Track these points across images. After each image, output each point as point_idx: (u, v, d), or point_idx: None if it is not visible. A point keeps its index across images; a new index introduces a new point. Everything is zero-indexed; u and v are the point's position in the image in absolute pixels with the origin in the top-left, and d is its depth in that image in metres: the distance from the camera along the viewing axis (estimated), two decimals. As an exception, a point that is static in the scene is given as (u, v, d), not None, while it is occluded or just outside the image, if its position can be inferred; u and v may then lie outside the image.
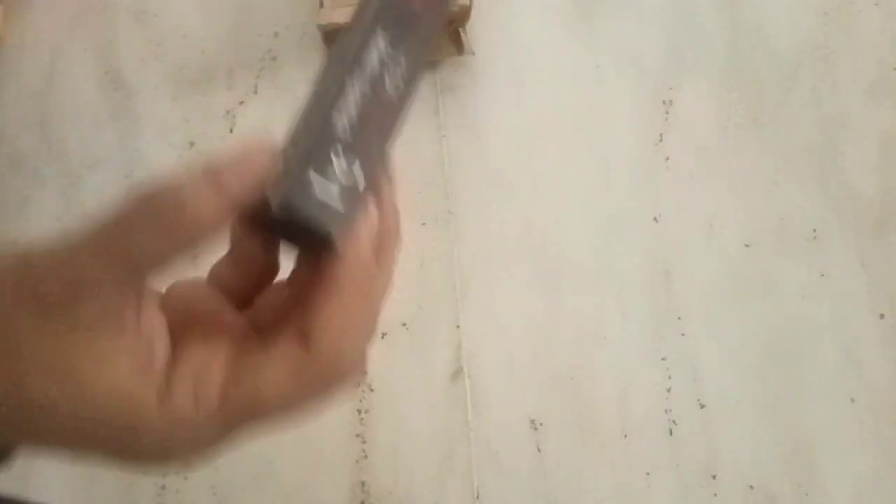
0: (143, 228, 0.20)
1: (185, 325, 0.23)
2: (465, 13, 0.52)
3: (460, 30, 0.53)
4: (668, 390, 0.47)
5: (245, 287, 0.26)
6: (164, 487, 0.47)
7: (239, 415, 0.22)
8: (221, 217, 0.21)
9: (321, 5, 0.53)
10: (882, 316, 0.48)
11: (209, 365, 0.22)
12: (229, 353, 0.23)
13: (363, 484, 0.47)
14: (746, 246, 0.50)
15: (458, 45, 0.54)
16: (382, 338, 0.50)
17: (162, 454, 0.22)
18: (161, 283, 0.23)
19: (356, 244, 0.23)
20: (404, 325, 0.50)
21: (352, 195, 0.23)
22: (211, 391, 0.21)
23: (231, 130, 0.54)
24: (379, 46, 0.23)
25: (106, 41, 0.57)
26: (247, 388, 0.22)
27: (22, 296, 0.20)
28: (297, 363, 0.22)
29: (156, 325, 0.22)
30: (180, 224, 0.20)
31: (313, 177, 0.22)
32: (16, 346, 0.20)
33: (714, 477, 0.46)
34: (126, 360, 0.21)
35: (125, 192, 0.20)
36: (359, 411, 0.48)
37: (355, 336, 0.23)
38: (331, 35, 0.52)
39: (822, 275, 0.49)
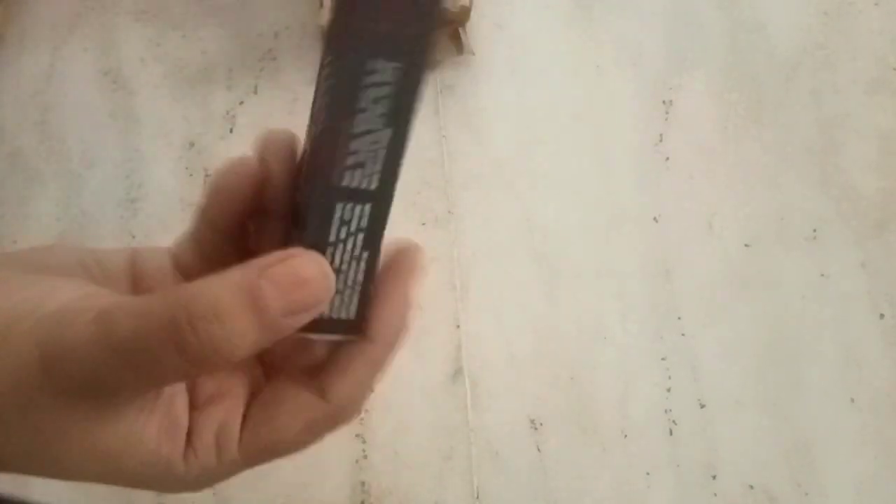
0: (169, 354, 0.19)
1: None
2: (465, 13, 0.52)
3: (460, 30, 0.53)
4: (669, 390, 0.47)
5: None
6: (163, 487, 0.47)
7: (257, 460, 0.23)
8: (257, 348, 0.19)
9: (321, 5, 0.53)
10: (882, 316, 0.48)
11: (228, 418, 0.23)
12: (245, 402, 0.23)
13: (363, 484, 0.47)
14: (746, 246, 0.50)
15: (457, 45, 0.54)
16: (382, 338, 0.50)
17: (181, 491, 0.23)
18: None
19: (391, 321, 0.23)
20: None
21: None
22: (231, 444, 0.22)
23: (231, 130, 0.54)
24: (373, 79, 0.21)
25: (106, 41, 0.57)
26: (265, 439, 0.22)
27: (46, 385, 0.19)
28: (314, 415, 0.23)
29: (178, 387, 0.22)
30: (209, 358, 0.19)
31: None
32: (43, 432, 0.20)
33: (714, 477, 0.46)
34: (152, 431, 0.21)
35: (154, 301, 0.19)
36: (359, 411, 0.48)
37: (371, 388, 0.24)
38: (331, 35, 0.52)
39: (822, 275, 0.49)
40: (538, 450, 0.47)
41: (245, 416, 0.23)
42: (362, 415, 0.48)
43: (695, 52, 0.54)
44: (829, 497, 0.45)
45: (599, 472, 0.46)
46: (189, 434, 0.22)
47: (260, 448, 0.22)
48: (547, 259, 0.50)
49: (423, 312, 0.50)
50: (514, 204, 0.52)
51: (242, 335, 0.19)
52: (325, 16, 0.52)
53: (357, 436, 0.48)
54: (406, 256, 0.25)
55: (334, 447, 0.48)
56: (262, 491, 0.47)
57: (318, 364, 0.24)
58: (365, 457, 0.47)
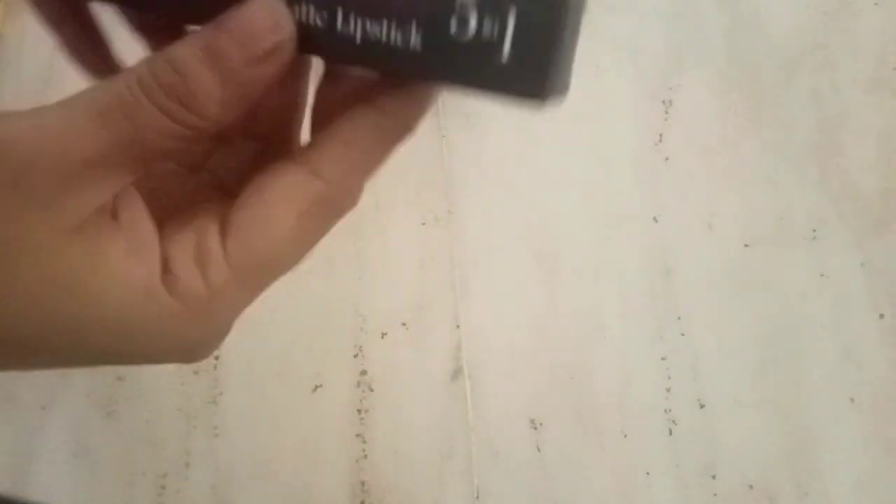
0: (141, 103, 0.18)
1: (159, 202, 0.21)
2: (464, 13, 0.52)
3: (460, 30, 0.53)
4: (668, 390, 0.47)
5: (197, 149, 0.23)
6: (164, 487, 0.47)
7: (253, 274, 0.19)
8: (227, 107, 0.18)
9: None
10: (882, 315, 0.48)
11: (205, 229, 0.19)
12: (222, 211, 0.20)
13: (363, 484, 0.47)
14: (746, 245, 0.50)
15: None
16: (382, 338, 0.50)
17: (181, 348, 0.20)
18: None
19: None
20: (404, 324, 0.50)
21: None
22: (216, 256, 0.19)
23: (231, 130, 0.54)
24: None
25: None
26: (255, 239, 0.19)
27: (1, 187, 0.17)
28: (307, 197, 0.19)
29: (135, 210, 0.20)
30: (181, 116, 0.18)
31: None
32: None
33: (714, 477, 0.46)
34: (118, 250, 0.18)
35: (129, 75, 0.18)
36: (359, 411, 0.48)
37: (373, 167, 0.21)
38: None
39: (822, 274, 0.49)
40: (538, 449, 0.47)
41: (227, 223, 0.19)
42: (362, 415, 0.48)
43: (695, 51, 0.54)
44: (829, 497, 0.45)
45: (599, 471, 0.46)
46: (164, 259, 0.19)
47: (252, 253, 0.19)
48: (547, 258, 0.50)
49: (423, 312, 0.50)
50: (514, 203, 0.52)
51: (207, 89, 0.18)
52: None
53: (357, 435, 0.48)
54: None
55: (334, 446, 0.48)
56: (261, 491, 0.47)
57: (310, 145, 0.21)
58: (365, 456, 0.47)
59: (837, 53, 0.53)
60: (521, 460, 0.47)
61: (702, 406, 0.47)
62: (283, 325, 0.49)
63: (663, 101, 0.53)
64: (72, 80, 0.26)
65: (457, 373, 0.49)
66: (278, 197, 0.19)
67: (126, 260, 0.18)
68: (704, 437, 0.46)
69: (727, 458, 0.46)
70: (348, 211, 0.20)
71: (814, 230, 0.50)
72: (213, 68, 0.18)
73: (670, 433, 0.47)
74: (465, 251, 0.51)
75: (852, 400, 0.46)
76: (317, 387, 0.49)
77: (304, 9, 0.19)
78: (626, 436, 0.47)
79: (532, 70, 0.18)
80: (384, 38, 0.18)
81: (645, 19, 0.55)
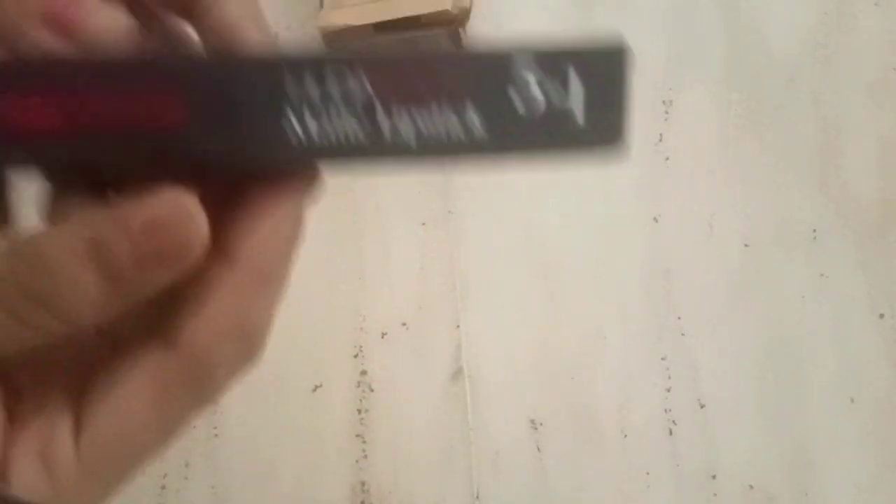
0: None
1: (13, 366, 0.18)
2: (465, 14, 0.52)
3: (460, 30, 0.53)
4: (668, 390, 0.47)
5: None
6: (164, 487, 0.47)
7: (110, 470, 0.17)
8: (110, 308, 0.16)
9: (321, 5, 0.53)
10: (882, 316, 0.48)
11: (56, 422, 0.17)
12: (75, 393, 0.18)
13: (363, 484, 0.47)
14: (746, 246, 0.50)
15: (457, 45, 0.54)
16: (382, 338, 0.50)
17: None
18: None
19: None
20: (404, 325, 0.50)
21: None
22: (64, 452, 0.17)
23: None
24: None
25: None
26: (108, 427, 0.17)
27: None
28: (163, 372, 0.17)
29: None
30: (43, 322, 0.15)
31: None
32: None
33: (714, 477, 0.46)
34: None
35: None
36: (359, 411, 0.48)
37: (241, 330, 0.17)
38: (331, 37, 0.52)
39: (822, 275, 0.49)
40: (538, 450, 0.47)
41: (81, 412, 0.17)
42: (362, 416, 0.48)
43: (695, 52, 0.54)
44: (828, 497, 0.45)
45: (599, 472, 0.46)
46: (5, 456, 0.17)
47: (104, 447, 0.17)
48: (547, 258, 0.50)
49: (423, 312, 0.50)
50: (514, 204, 0.52)
51: (83, 293, 0.15)
52: (325, 16, 0.52)
53: (357, 436, 0.48)
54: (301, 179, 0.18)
55: (334, 447, 0.48)
56: (261, 491, 0.47)
57: (164, 313, 0.18)
58: (365, 457, 0.47)
59: (837, 54, 0.53)
60: (521, 460, 0.47)
61: (702, 406, 0.47)
62: (283, 325, 0.49)
63: (663, 102, 0.53)
64: None
65: (457, 373, 0.49)
66: (132, 382, 0.17)
67: None
68: (704, 437, 0.46)
69: (727, 458, 0.46)
70: (237, 374, 0.18)
71: (814, 231, 0.50)
72: (94, 268, 0.15)
73: (670, 433, 0.47)
74: (465, 251, 0.51)
75: (852, 400, 0.46)
76: (317, 387, 0.49)
77: (333, 115, 0.17)
78: (626, 436, 0.47)
79: (609, 121, 0.17)
80: (443, 133, 0.17)
81: (645, 20, 0.55)
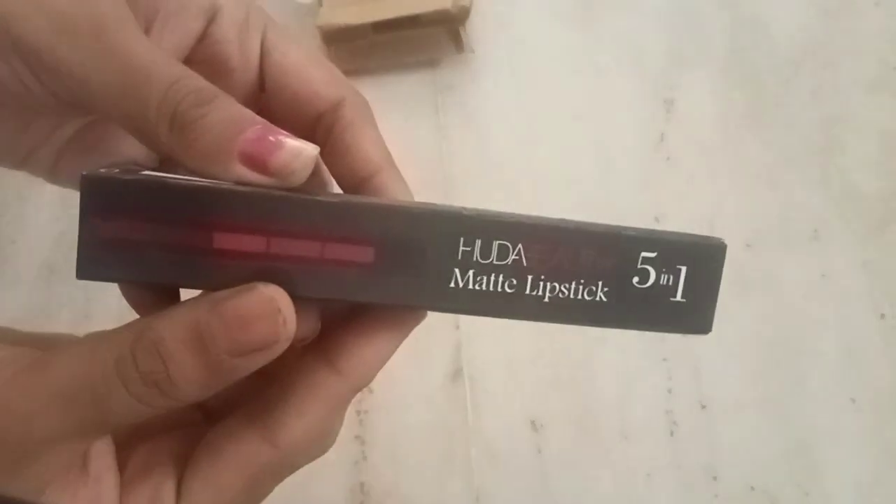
0: (115, 391, 0.18)
1: (127, 434, 0.21)
2: (464, 13, 0.52)
3: (460, 28, 0.53)
4: (669, 391, 0.47)
5: None
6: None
7: None
8: (207, 390, 0.18)
9: (321, 5, 0.53)
10: (883, 316, 0.48)
11: (161, 489, 0.20)
12: (176, 459, 0.21)
13: (362, 485, 0.47)
14: (748, 246, 0.50)
15: (457, 44, 0.54)
16: (382, 338, 0.50)
17: None
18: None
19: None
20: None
21: None
22: None
23: (230, 130, 0.54)
24: None
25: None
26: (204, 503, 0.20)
27: None
28: (259, 462, 0.20)
29: (103, 460, 0.20)
30: (154, 399, 0.18)
31: None
32: None
33: (715, 478, 0.46)
34: None
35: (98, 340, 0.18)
36: (358, 412, 0.48)
37: (330, 430, 0.22)
38: (329, 35, 0.52)
39: (823, 274, 0.49)
40: (538, 451, 0.47)
41: (182, 481, 0.20)
42: (361, 417, 0.48)
43: (696, 50, 0.54)
44: (830, 498, 0.45)
45: (600, 473, 0.46)
46: None
47: None
48: (547, 259, 0.50)
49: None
50: (515, 203, 0.51)
51: (188, 376, 0.18)
52: (324, 15, 0.52)
53: (356, 437, 0.48)
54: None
55: (333, 448, 0.47)
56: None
57: (267, 404, 0.21)
58: (364, 458, 0.47)
59: (839, 53, 0.53)
60: (521, 462, 0.47)
61: (703, 407, 0.47)
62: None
63: (665, 101, 0.53)
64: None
65: (456, 374, 0.48)
66: (230, 463, 0.20)
67: None
68: (706, 438, 0.46)
69: (728, 459, 0.46)
70: (300, 466, 0.22)
71: (815, 230, 0.50)
72: (197, 355, 0.17)
73: (671, 434, 0.47)
74: (465, 251, 0.51)
75: (853, 400, 0.46)
76: (316, 388, 0.49)
77: (493, 278, 0.20)
78: (627, 437, 0.47)
79: (700, 307, 0.21)
80: (572, 294, 0.21)
81: (646, 18, 0.55)
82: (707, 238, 0.22)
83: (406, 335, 0.22)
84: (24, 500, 0.18)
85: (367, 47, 0.54)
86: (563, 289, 0.21)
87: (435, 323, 0.50)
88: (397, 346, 0.22)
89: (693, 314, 0.21)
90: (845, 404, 0.46)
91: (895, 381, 0.46)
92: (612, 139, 0.53)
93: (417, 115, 0.54)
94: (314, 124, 0.24)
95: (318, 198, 0.19)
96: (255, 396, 0.22)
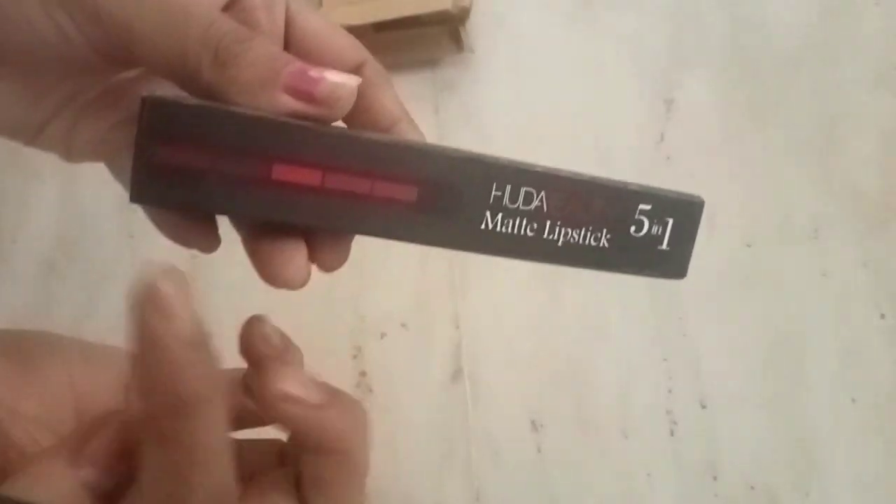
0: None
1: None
2: (465, 14, 0.52)
3: (460, 27, 0.53)
4: (670, 391, 0.47)
5: None
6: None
7: None
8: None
9: (320, 5, 0.53)
10: (883, 315, 0.47)
11: None
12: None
13: (363, 484, 0.47)
14: (748, 245, 0.50)
15: (457, 43, 0.54)
16: (382, 338, 0.50)
17: None
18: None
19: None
20: (404, 325, 0.50)
21: None
22: None
23: (230, 130, 0.54)
24: None
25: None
26: None
27: None
28: None
29: None
30: None
31: None
32: None
33: (715, 478, 0.46)
34: None
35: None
36: (358, 412, 0.48)
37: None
38: (330, 34, 0.52)
39: (824, 274, 0.49)
40: (538, 450, 0.47)
41: None
42: (362, 388, 0.48)
43: (696, 49, 0.54)
44: (830, 497, 0.45)
45: (600, 472, 0.46)
46: None
47: None
48: (547, 259, 0.50)
49: (423, 312, 0.50)
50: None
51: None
52: (325, 15, 0.52)
53: (357, 436, 0.48)
54: None
55: (334, 447, 0.48)
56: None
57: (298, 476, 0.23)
58: (365, 457, 0.47)
59: (839, 52, 0.53)
60: (521, 461, 0.47)
61: (703, 407, 0.47)
62: (282, 326, 0.49)
63: (665, 100, 0.53)
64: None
65: (457, 373, 0.48)
66: None
67: None
68: (706, 437, 0.46)
69: (728, 458, 0.46)
70: None
71: (815, 229, 0.50)
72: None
73: (672, 434, 0.47)
74: (465, 252, 0.51)
75: (854, 400, 0.46)
76: (316, 387, 0.49)
77: (518, 222, 0.22)
78: (627, 437, 0.47)
79: (679, 255, 0.25)
80: (581, 240, 0.23)
81: (646, 17, 0.55)
82: (690, 195, 0.26)
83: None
84: (24, 500, 0.18)
85: (366, 47, 0.54)
86: (574, 234, 0.23)
87: (435, 323, 0.51)
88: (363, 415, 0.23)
89: (674, 261, 0.25)
90: (845, 404, 0.46)
91: (895, 381, 0.46)
92: (612, 138, 0.53)
93: (417, 115, 0.54)
94: None
95: (371, 136, 0.21)
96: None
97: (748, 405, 0.47)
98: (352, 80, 0.20)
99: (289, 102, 0.19)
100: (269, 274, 0.22)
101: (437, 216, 0.21)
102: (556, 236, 0.23)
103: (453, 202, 0.21)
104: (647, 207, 0.24)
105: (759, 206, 0.50)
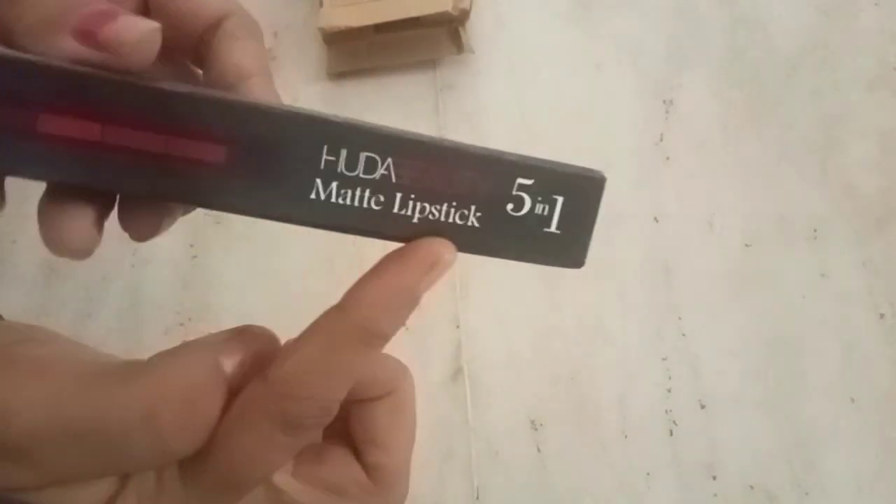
0: (136, 439, 0.18)
1: None
2: (464, 15, 0.52)
3: (460, 28, 0.53)
4: (669, 391, 0.47)
5: None
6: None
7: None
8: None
9: (321, 5, 0.53)
10: (882, 315, 0.48)
11: None
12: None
13: (363, 484, 0.47)
14: (747, 245, 0.50)
15: (457, 44, 0.54)
16: (382, 338, 0.50)
17: None
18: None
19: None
20: (404, 325, 0.50)
21: None
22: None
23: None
24: None
25: (105, 41, 0.56)
26: None
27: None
28: (254, 398, 0.21)
29: None
30: (182, 438, 0.19)
31: None
32: None
33: (714, 477, 0.46)
34: None
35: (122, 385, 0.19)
36: (358, 411, 0.48)
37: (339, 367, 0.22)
38: (330, 36, 0.52)
39: (823, 274, 0.49)
40: (538, 450, 0.47)
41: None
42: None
43: (695, 50, 0.54)
44: (829, 497, 0.45)
45: (600, 472, 0.46)
46: None
47: None
48: (547, 259, 0.50)
49: (423, 312, 0.50)
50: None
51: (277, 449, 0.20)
52: (325, 16, 0.52)
53: (357, 436, 0.48)
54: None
55: (334, 447, 0.48)
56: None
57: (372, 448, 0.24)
58: (365, 457, 0.47)
59: (838, 52, 0.53)
60: (521, 461, 0.47)
61: (702, 406, 0.47)
62: (282, 326, 0.49)
63: (664, 101, 0.53)
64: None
65: (457, 373, 0.49)
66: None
67: None
68: (705, 437, 0.46)
69: (728, 458, 0.46)
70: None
71: (814, 230, 0.50)
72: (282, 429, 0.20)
73: (671, 434, 0.47)
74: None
75: (853, 400, 0.46)
76: (316, 387, 0.49)
77: (358, 192, 0.19)
78: (626, 436, 0.47)
79: (574, 240, 0.21)
80: (443, 217, 0.20)
81: (645, 18, 0.55)
82: (587, 170, 0.22)
83: (414, 278, 0.21)
84: (23, 500, 0.18)
85: (367, 48, 0.54)
86: (433, 210, 0.20)
87: (435, 323, 0.51)
88: (403, 289, 0.21)
89: (567, 247, 0.21)
90: (845, 403, 0.46)
91: (894, 381, 0.46)
92: (612, 138, 0.53)
93: (417, 115, 0.54)
94: (197, 44, 0.22)
95: (161, 85, 0.17)
96: None
97: (747, 405, 0.47)
98: (143, 25, 0.17)
99: (73, 47, 0.17)
100: (47, 238, 0.20)
101: (254, 182, 0.18)
102: (409, 211, 0.19)
103: (272, 166, 0.18)
104: (528, 182, 0.20)
105: (758, 206, 0.50)
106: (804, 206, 0.50)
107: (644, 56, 0.55)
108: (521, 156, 0.21)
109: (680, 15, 0.55)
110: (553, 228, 0.21)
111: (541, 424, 0.47)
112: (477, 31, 0.55)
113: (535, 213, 0.20)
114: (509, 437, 0.47)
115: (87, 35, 0.17)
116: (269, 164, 0.18)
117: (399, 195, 0.19)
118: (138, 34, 0.17)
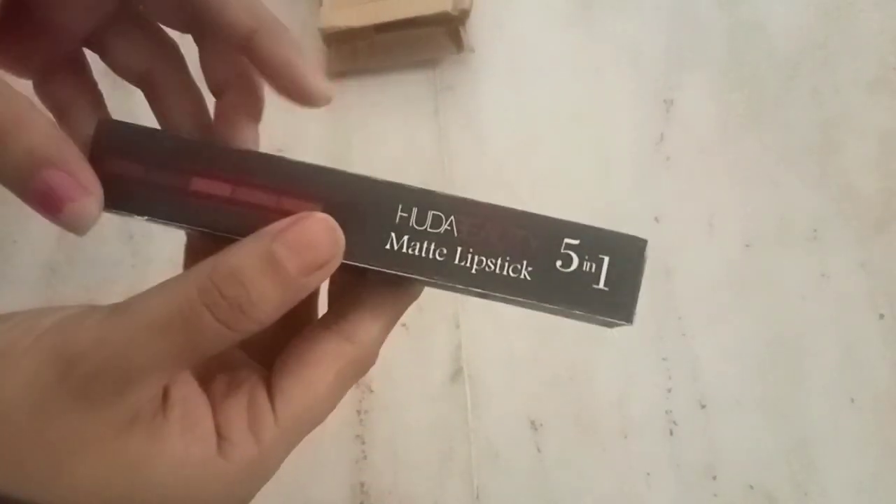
0: (203, 320, 0.19)
1: (200, 370, 0.23)
2: (464, 15, 0.52)
3: (460, 28, 0.53)
4: (669, 391, 0.47)
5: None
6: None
7: (296, 430, 0.22)
8: (282, 309, 0.21)
9: (321, 5, 0.53)
10: (882, 316, 0.48)
11: (254, 396, 0.22)
12: (264, 379, 0.23)
13: (362, 485, 0.47)
14: (747, 246, 0.50)
15: (457, 44, 0.54)
16: (382, 338, 0.50)
17: (233, 501, 0.23)
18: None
19: None
20: (404, 325, 0.50)
21: None
22: (266, 419, 0.22)
23: (230, 130, 0.54)
24: None
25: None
26: (299, 400, 0.22)
27: (64, 393, 0.19)
28: (343, 360, 0.23)
29: (188, 386, 0.22)
30: (240, 322, 0.20)
31: None
32: (62, 446, 0.19)
33: (714, 477, 0.46)
34: (174, 433, 0.20)
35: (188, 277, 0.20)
36: (358, 412, 0.48)
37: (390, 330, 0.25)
38: (330, 36, 0.52)
39: (823, 274, 0.49)
40: (538, 450, 0.47)
41: (270, 389, 0.22)
42: (361, 416, 0.48)
43: (695, 51, 0.54)
44: (829, 497, 0.45)
45: (599, 472, 0.46)
46: (218, 428, 0.21)
47: (297, 413, 0.22)
48: (547, 259, 0.50)
49: (423, 312, 0.50)
50: (515, 203, 0.52)
51: (267, 297, 0.20)
52: (325, 16, 0.52)
53: (357, 436, 0.48)
54: None
55: (334, 447, 0.48)
56: (261, 492, 0.47)
57: (339, 314, 0.24)
58: (364, 457, 0.47)
59: (838, 53, 0.53)
60: (521, 461, 0.47)
61: (702, 407, 0.47)
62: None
63: (664, 101, 0.53)
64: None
65: (456, 373, 0.49)
66: (319, 361, 0.23)
67: (182, 440, 0.20)
68: (705, 437, 0.46)
69: (728, 458, 0.46)
70: (370, 367, 0.24)
71: (814, 230, 0.50)
72: (272, 277, 0.20)
73: (671, 434, 0.47)
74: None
75: (852, 400, 0.46)
76: (316, 387, 0.49)
77: (425, 245, 0.23)
78: (626, 437, 0.47)
79: (622, 297, 0.23)
80: (497, 269, 0.23)
81: (645, 19, 0.55)
82: (632, 235, 0.24)
83: (403, 311, 0.26)
84: (23, 500, 0.19)
85: (367, 48, 0.54)
86: (489, 263, 0.23)
87: (435, 323, 0.51)
88: (396, 322, 0.25)
89: (616, 303, 0.23)
90: (844, 404, 0.46)
91: (894, 381, 0.46)
92: (612, 139, 0.53)
93: (417, 115, 0.54)
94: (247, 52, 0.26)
95: (276, 156, 0.22)
96: (329, 311, 0.25)
97: (747, 405, 0.47)
98: (89, 206, 0.22)
99: (36, 208, 0.21)
100: None
101: (343, 233, 0.22)
102: (468, 263, 0.23)
103: (357, 221, 0.22)
104: (575, 242, 0.23)
105: (757, 206, 0.50)
106: (804, 206, 0.50)
107: (644, 56, 0.55)
108: (572, 220, 0.23)
109: (680, 15, 0.55)
110: (601, 285, 0.23)
111: (541, 425, 0.47)
112: (477, 31, 0.55)
113: (583, 269, 0.23)
114: (509, 438, 0.47)
115: (42, 203, 0.22)
116: (355, 220, 0.22)
117: (460, 248, 0.22)
118: (76, 219, 0.23)
